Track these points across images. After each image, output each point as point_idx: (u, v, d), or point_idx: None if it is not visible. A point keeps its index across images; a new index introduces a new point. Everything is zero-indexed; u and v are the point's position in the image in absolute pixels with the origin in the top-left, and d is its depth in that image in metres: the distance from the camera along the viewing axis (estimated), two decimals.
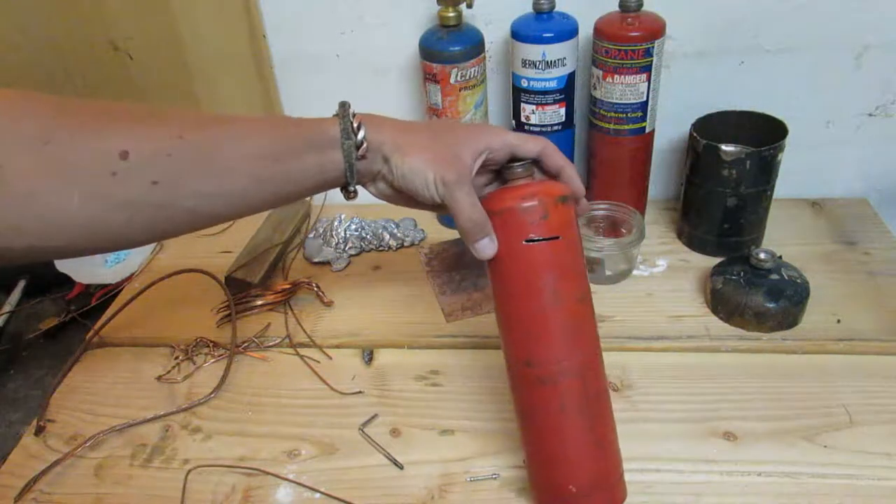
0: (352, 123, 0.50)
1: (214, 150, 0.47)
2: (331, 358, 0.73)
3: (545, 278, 0.49)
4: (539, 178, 0.55)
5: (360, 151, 0.51)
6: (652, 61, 0.75)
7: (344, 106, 0.52)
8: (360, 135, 0.50)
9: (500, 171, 0.55)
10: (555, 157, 0.54)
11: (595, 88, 0.79)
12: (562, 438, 0.51)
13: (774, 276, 0.71)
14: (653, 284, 0.79)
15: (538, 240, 0.49)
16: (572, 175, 0.54)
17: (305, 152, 0.50)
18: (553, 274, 0.49)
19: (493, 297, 0.52)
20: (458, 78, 0.78)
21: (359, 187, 0.54)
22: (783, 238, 0.83)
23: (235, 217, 0.51)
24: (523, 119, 0.81)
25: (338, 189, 0.54)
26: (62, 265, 0.88)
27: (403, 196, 0.54)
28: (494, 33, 0.83)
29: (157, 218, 0.46)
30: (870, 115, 0.85)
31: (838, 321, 0.71)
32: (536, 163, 0.54)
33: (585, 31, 0.78)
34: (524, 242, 0.49)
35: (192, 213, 0.48)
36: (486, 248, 0.50)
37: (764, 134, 0.76)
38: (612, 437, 0.52)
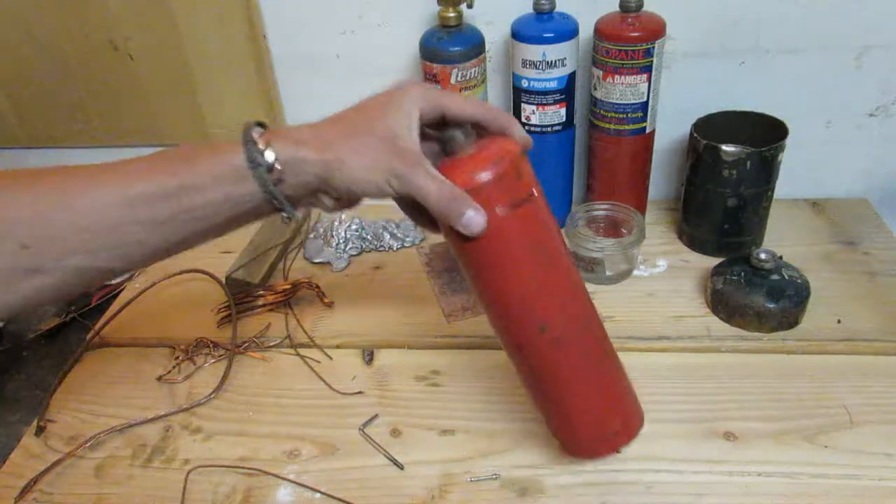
0: (256, 145, 0.44)
1: (87, 203, 0.43)
2: (331, 358, 0.73)
3: (539, 237, 0.47)
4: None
5: (276, 175, 0.45)
6: (652, 61, 0.75)
7: (247, 129, 0.46)
8: (270, 158, 0.44)
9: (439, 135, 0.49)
10: (500, 118, 0.48)
11: (595, 89, 0.79)
12: (592, 386, 0.53)
13: (775, 277, 0.71)
14: (653, 285, 0.79)
15: (521, 202, 0.46)
16: (518, 128, 0.49)
17: (207, 188, 0.44)
18: (543, 231, 0.48)
19: (479, 277, 0.49)
20: (459, 78, 0.78)
21: None
22: (783, 238, 0.83)
23: (147, 264, 0.46)
24: (524, 119, 0.81)
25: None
26: None
27: (356, 200, 0.49)
28: (495, 33, 0.83)
29: (38, 283, 0.43)
30: (870, 115, 0.85)
31: (839, 321, 0.71)
32: (475, 126, 0.49)
33: (586, 31, 0.78)
34: (511, 209, 0.46)
35: (82, 271, 0.44)
36: (474, 220, 0.45)
37: (764, 134, 0.76)
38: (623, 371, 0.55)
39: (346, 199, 0.48)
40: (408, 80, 0.49)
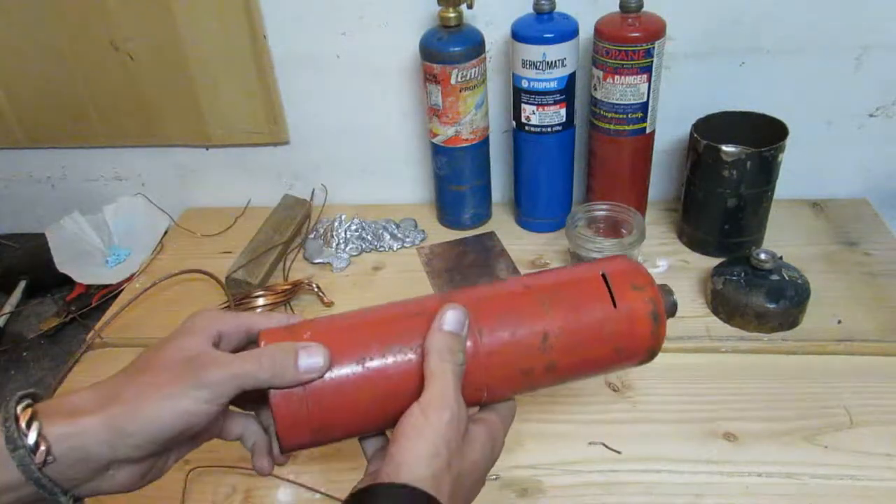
0: (17, 423, 0.37)
1: None
2: None
3: None
4: None
5: (40, 458, 0.36)
6: (652, 62, 0.75)
7: (9, 403, 0.38)
8: (33, 438, 0.36)
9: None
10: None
11: (595, 89, 0.79)
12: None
13: (775, 277, 0.71)
14: None
15: None
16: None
17: None
18: None
19: None
20: (459, 78, 0.78)
21: None
22: (784, 238, 0.83)
23: None
24: (524, 119, 0.81)
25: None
26: (63, 266, 0.88)
27: (160, 451, 0.42)
28: (495, 34, 0.83)
29: None
30: (870, 115, 0.85)
31: (839, 322, 0.71)
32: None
33: (586, 31, 0.78)
34: None
35: None
36: (312, 362, 0.40)
37: (764, 134, 0.76)
38: None
39: (148, 457, 0.41)
40: (201, 311, 0.45)
